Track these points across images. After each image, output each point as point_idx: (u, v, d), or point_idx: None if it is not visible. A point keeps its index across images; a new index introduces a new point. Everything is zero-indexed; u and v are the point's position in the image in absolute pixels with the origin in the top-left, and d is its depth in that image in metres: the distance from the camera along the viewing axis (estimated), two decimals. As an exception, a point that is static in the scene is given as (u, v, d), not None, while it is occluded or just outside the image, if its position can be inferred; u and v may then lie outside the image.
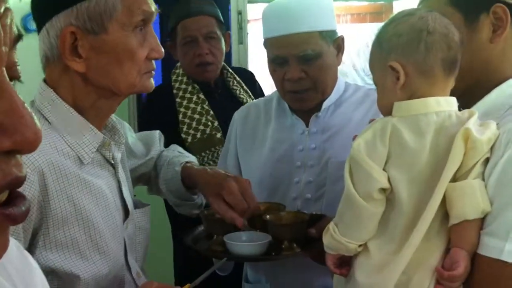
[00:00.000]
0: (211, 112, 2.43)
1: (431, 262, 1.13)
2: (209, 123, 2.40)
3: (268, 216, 1.59)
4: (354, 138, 1.19)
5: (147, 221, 1.45)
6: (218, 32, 2.45)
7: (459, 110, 1.20)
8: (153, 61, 1.30)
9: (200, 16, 2.41)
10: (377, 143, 1.15)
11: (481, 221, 1.11)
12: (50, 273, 1.20)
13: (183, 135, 2.39)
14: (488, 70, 1.24)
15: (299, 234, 1.54)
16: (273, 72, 1.77)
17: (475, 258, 1.11)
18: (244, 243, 1.55)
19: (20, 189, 1.06)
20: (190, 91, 2.48)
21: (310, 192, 1.78)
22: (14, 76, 0.52)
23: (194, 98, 2.47)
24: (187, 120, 2.42)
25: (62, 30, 1.21)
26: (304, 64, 1.71)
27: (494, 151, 1.13)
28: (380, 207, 1.16)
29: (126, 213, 1.38)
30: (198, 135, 2.38)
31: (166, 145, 1.75)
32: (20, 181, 0.49)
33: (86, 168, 1.27)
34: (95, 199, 1.27)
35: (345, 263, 1.24)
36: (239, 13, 3.65)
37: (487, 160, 1.13)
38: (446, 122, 1.14)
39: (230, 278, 1.84)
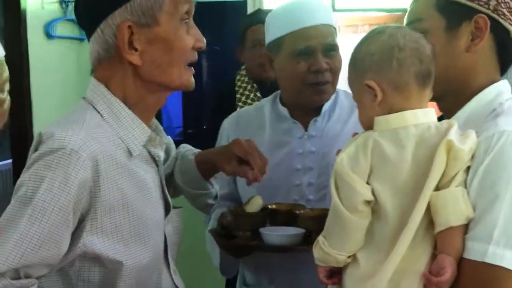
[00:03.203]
0: None
1: (417, 268, 1.16)
2: None
3: (297, 211, 1.68)
4: (338, 152, 1.23)
5: (180, 222, 1.51)
6: None
7: (441, 118, 1.25)
8: (196, 53, 1.37)
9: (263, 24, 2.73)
10: (360, 157, 1.19)
11: (466, 227, 1.15)
12: (94, 260, 1.25)
13: None
14: (463, 77, 1.30)
15: None
16: (296, 65, 1.82)
17: (460, 262, 1.14)
18: (280, 233, 1.62)
19: (74, 171, 1.16)
20: (249, 89, 2.91)
21: (312, 194, 1.84)
22: None
23: (252, 95, 2.90)
24: None
25: (120, 25, 1.28)
26: (327, 55, 1.81)
27: (474, 158, 1.17)
28: (366, 218, 1.19)
29: (166, 211, 1.43)
30: None
31: None
32: None
33: (134, 160, 1.33)
34: (140, 190, 1.33)
35: (336, 273, 1.27)
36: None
37: (468, 168, 1.17)
38: (425, 133, 1.18)
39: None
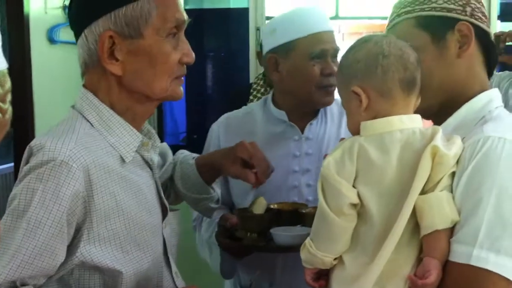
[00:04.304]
0: None
1: (403, 271, 1.17)
2: None
3: (303, 211, 1.71)
4: (325, 157, 1.25)
5: (177, 224, 1.51)
6: None
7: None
8: (184, 67, 1.37)
9: None
10: (346, 161, 1.20)
11: (451, 231, 1.16)
12: (93, 268, 1.25)
13: None
14: (458, 86, 1.31)
15: None
16: (312, 67, 1.87)
17: (446, 265, 1.15)
18: (292, 233, 1.63)
19: (66, 183, 1.17)
20: (262, 92, 2.98)
21: (311, 194, 1.87)
22: None
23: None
24: None
25: (101, 35, 1.28)
26: (334, 60, 1.88)
27: (459, 163, 1.19)
28: (351, 221, 1.21)
29: (163, 214, 1.44)
30: None
31: None
32: None
33: (127, 166, 1.34)
34: (135, 196, 1.33)
35: (323, 276, 1.29)
36: (257, 29, 3.78)
37: (454, 173, 1.19)
38: (410, 138, 1.20)
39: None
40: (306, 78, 1.88)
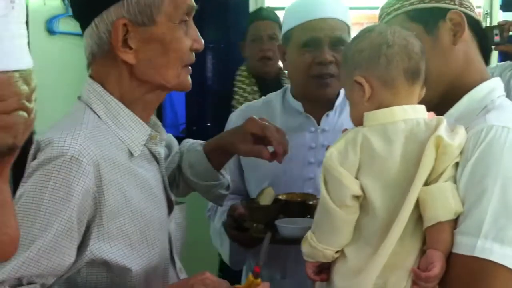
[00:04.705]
0: None
1: (406, 264, 1.16)
2: None
3: (310, 202, 1.68)
4: (327, 148, 1.23)
5: (184, 218, 1.48)
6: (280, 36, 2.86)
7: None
8: (193, 54, 1.34)
9: (267, 21, 3.04)
10: (349, 152, 1.19)
11: (455, 222, 1.15)
12: (103, 265, 1.23)
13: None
14: (456, 75, 1.31)
15: None
16: (301, 56, 1.84)
17: (450, 257, 1.14)
18: (295, 226, 1.60)
19: (76, 179, 1.15)
20: (247, 82, 3.05)
21: None
22: None
23: (248, 89, 3.06)
24: (237, 106, 2.87)
25: (115, 23, 1.24)
26: (334, 49, 1.82)
27: (463, 154, 1.17)
28: (354, 213, 1.20)
29: (169, 209, 1.41)
30: None
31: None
32: None
33: (135, 160, 1.31)
34: (143, 191, 1.31)
35: (325, 269, 1.28)
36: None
37: (457, 164, 1.17)
38: (414, 129, 1.18)
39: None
40: (297, 67, 1.86)
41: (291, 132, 1.87)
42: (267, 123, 1.58)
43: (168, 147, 1.67)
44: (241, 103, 2.82)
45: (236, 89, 3.07)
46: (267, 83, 3.02)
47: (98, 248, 1.21)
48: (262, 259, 1.25)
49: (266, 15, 3.09)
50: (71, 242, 1.17)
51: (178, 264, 1.44)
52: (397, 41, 1.22)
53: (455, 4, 1.32)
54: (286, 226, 1.61)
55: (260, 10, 3.23)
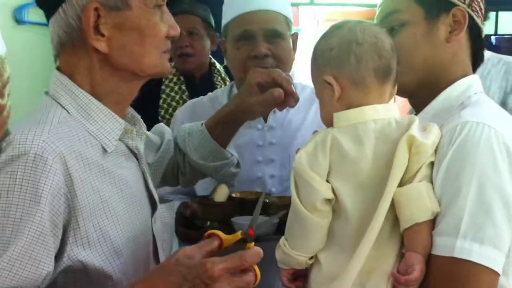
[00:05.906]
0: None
1: (384, 268, 1.14)
2: None
3: (267, 199, 1.63)
4: (297, 151, 1.20)
5: (171, 217, 1.43)
6: (202, 31, 2.83)
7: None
8: (169, 41, 1.27)
9: (186, 15, 2.80)
10: (318, 154, 1.16)
11: (432, 223, 1.13)
12: (79, 273, 1.14)
13: (159, 118, 2.76)
14: (440, 69, 1.29)
15: None
16: (236, 51, 1.81)
17: (429, 258, 1.12)
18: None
19: (43, 178, 1.03)
20: (175, 81, 2.86)
21: (275, 185, 1.82)
22: None
23: (176, 88, 2.86)
24: (165, 106, 2.82)
25: (85, 7, 1.17)
26: (270, 41, 1.78)
27: (438, 152, 1.16)
28: (326, 218, 1.17)
29: (153, 208, 1.33)
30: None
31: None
32: None
33: (110, 157, 1.23)
34: (119, 191, 1.22)
35: (300, 276, 1.25)
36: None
37: (433, 163, 1.15)
38: (385, 129, 1.16)
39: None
40: (234, 61, 1.84)
41: (240, 130, 1.83)
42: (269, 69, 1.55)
43: (161, 135, 1.63)
44: (168, 103, 2.81)
45: (163, 87, 2.88)
46: (195, 83, 2.88)
47: (76, 254, 1.12)
48: (255, 222, 1.21)
49: (185, 9, 2.86)
50: (45, 248, 1.09)
51: None
52: (367, 38, 1.19)
53: (464, 3, 1.29)
54: (244, 223, 1.54)
55: (179, 4, 2.92)
